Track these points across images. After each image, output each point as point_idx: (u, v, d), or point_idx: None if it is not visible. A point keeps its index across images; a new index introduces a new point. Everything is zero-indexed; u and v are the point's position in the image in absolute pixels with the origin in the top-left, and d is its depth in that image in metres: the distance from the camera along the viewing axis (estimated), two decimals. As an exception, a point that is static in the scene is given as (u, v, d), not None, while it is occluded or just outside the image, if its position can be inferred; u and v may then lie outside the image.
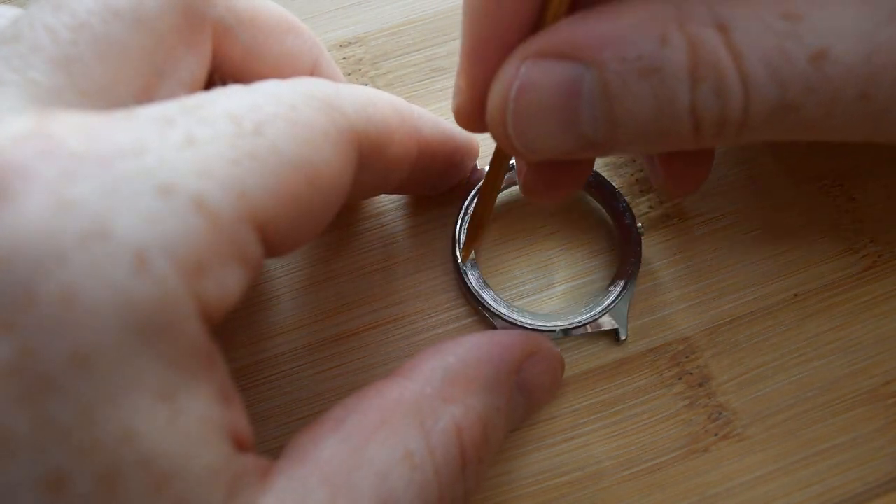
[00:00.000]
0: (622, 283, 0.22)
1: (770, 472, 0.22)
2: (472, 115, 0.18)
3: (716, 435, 0.22)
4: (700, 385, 0.22)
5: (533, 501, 0.21)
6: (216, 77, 0.19)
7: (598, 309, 0.22)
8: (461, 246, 0.23)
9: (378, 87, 0.25)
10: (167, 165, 0.12)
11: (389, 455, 0.15)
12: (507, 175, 0.23)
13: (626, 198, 0.24)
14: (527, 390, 0.19)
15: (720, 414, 0.22)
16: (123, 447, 0.11)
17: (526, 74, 0.15)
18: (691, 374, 0.22)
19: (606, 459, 0.22)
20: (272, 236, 0.14)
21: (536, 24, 0.16)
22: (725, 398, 0.22)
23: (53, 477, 0.11)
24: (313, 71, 0.20)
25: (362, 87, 0.18)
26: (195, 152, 0.13)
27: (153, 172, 0.12)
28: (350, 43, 0.26)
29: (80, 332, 0.11)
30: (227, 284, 0.13)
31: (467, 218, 0.23)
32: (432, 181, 0.23)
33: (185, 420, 0.12)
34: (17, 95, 0.13)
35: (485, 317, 0.22)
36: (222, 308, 0.13)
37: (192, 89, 0.17)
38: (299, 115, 0.14)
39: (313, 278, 0.23)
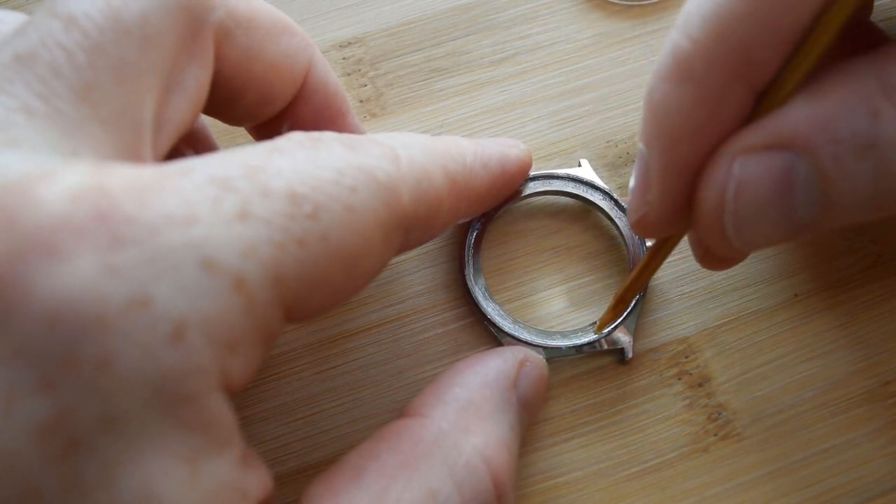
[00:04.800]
0: (630, 302, 0.22)
1: (770, 472, 0.22)
2: (666, 223, 0.18)
3: (716, 435, 0.22)
4: (700, 385, 0.22)
5: (533, 501, 0.21)
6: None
7: (607, 329, 0.22)
8: (471, 253, 0.23)
9: (377, 88, 0.25)
10: (213, 240, 0.12)
11: (413, 497, 0.15)
12: (523, 185, 0.23)
13: (626, 198, 0.24)
14: (525, 402, 0.19)
15: (720, 414, 0.22)
16: None
17: (741, 171, 0.15)
18: (691, 374, 0.23)
19: (606, 459, 0.22)
20: (295, 313, 0.14)
21: (739, 121, 0.16)
22: (725, 398, 0.22)
23: None
24: (308, 71, 0.20)
25: (419, 148, 0.17)
26: (244, 229, 0.13)
27: (199, 246, 0.12)
28: (350, 43, 0.26)
29: (113, 396, 0.12)
30: (251, 361, 0.13)
31: (476, 232, 0.23)
32: (481, 212, 0.23)
33: (205, 484, 0.12)
34: (47, 128, 0.13)
35: (487, 327, 0.22)
36: (243, 381, 0.13)
37: (197, 97, 0.17)
38: (357, 201, 0.14)
39: (313, 278, 0.23)
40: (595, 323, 0.22)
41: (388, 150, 0.16)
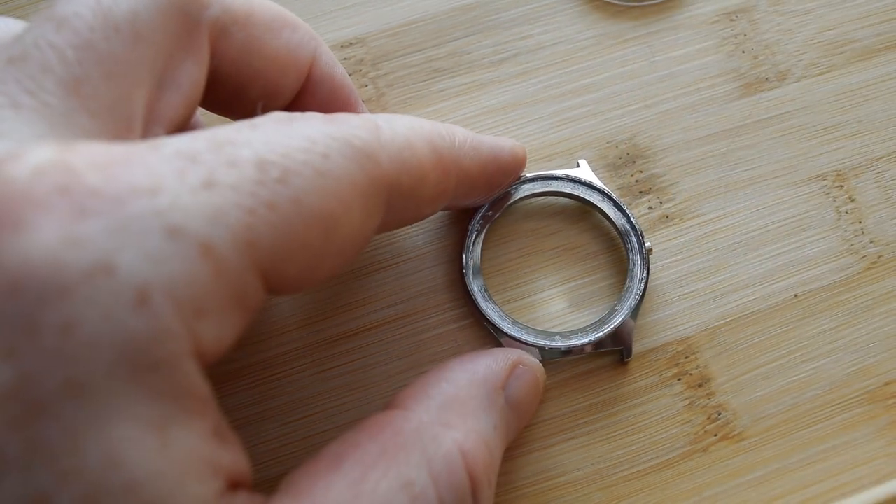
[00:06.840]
0: (629, 303, 0.22)
1: (770, 472, 0.22)
2: None
3: (715, 435, 0.22)
4: (699, 385, 0.22)
5: (532, 501, 0.21)
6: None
7: (606, 330, 0.22)
8: (470, 254, 0.23)
9: (378, 88, 0.26)
10: (179, 207, 0.12)
11: (389, 486, 0.15)
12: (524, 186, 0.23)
13: (626, 199, 0.24)
14: (514, 404, 0.19)
15: (720, 414, 0.22)
16: (109, 473, 0.12)
17: None
18: (691, 374, 0.23)
19: (606, 459, 0.22)
20: (277, 282, 0.14)
21: None
22: (725, 398, 0.22)
23: (39, 499, 0.11)
24: (313, 63, 0.20)
25: (404, 122, 0.18)
26: (211, 196, 0.13)
27: (164, 213, 0.12)
28: (351, 44, 0.26)
29: (76, 362, 0.12)
30: (225, 328, 0.13)
31: (476, 232, 0.23)
32: (475, 201, 0.22)
33: (174, 451, 0.12)
34: (34, 120, 0.14)
35: (486, 328, 0.22)
36: (218, 350, 0.13)
37: (192, 93, 0.17)
38: (329, 166, 0.14)
39: (314, 278, 0.23)
40: (594, 324, 0.22)
41: (368, 121, 0.16)
